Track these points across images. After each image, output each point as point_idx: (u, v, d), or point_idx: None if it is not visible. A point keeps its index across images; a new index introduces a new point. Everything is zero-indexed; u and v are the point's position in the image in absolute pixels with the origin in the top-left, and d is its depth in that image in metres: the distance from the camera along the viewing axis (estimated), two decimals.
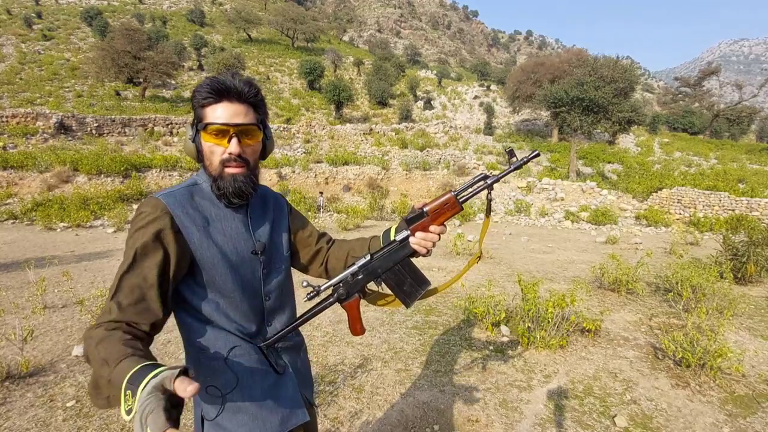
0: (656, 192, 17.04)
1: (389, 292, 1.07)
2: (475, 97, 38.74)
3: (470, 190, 0.99)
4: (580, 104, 21.72)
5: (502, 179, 0.98)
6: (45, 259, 6.78)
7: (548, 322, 3.59)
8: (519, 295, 4.39)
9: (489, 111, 31.30)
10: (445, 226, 1.01)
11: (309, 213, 14.59)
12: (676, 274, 5.10)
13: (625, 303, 5.05)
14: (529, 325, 3.65)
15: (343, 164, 18.88)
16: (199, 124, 0.96)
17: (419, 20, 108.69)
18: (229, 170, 0.97)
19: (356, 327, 1.08)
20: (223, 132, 0.95)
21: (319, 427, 2.45)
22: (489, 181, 0.96)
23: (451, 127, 28.19)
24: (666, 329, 4.07)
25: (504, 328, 3.95)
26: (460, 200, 0.98)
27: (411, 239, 0.99)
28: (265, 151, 1.07)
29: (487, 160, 22.16)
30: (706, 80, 41.05)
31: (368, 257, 1.01)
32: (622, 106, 22.45)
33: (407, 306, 1.04)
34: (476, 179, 0.97)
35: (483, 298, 4.12)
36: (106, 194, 13.36)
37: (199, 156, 0.99)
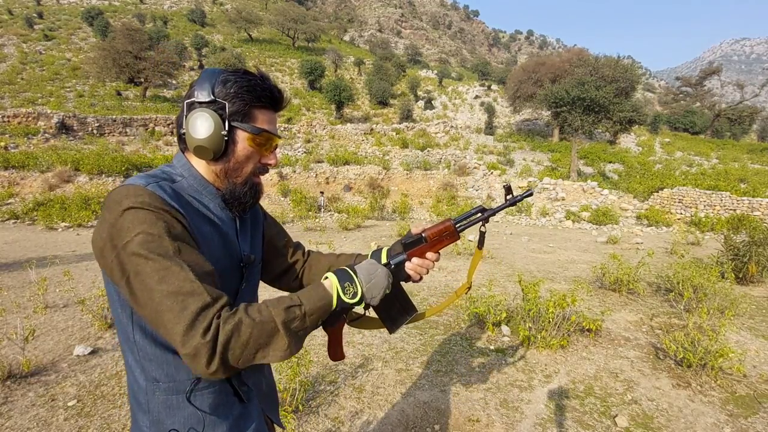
0: (657, 192, 17.02)
1: (373, 315, 1.02)
2: (476, 97, 38.71)
3: (468, 220, 0.98)
4: (581, 104, 21.68)
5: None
6: (46, 259, 6.79)
7: (549, 322, 3.58)
8: (520, 295, 4.39)
9: (490, 111, 31.28)
10: (439, 254, 0.99)
11: (310, 213, 14.61)
12: (678, 274, 5.09)
13: (626, 303, 5.05)
14: (530, 325, 3.65)
15: (344, 164, 18.89)
16: (248, 125, 0.84)
17: (420, 20, 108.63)
18: (256, 179, 0.92)
19: (338, 352, 0.99)
20: (270, 142, 0.89)
21: (320, 426, 2.45)
22: (486, 214, 0.96)
23: (451, 126, 28.19)
24: (667, 329, 4.07)
25: (505, 328, 3.94)
26: (458, 229, 0.97)
27: (407, 264, 0.96)
28: None
29: (487, 159, 22.16)
30: (708, 80, 40.99)
31: None
32: (623, 105, 22.41)
33: (391, 332, 0.99)
34: (474, 211, 0.97)
35: (484, 298, 4.12)
36: (107, 194, 13.39)
37: (220, 154, 0.85)
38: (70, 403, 2.61)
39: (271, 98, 0.88)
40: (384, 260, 0.99)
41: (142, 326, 0.79)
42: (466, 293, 1.12)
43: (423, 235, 0.95)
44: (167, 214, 0.74)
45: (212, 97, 0.82)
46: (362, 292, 0.85)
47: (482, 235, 0.99)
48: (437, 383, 3.00)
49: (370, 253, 1.05)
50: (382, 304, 0.95)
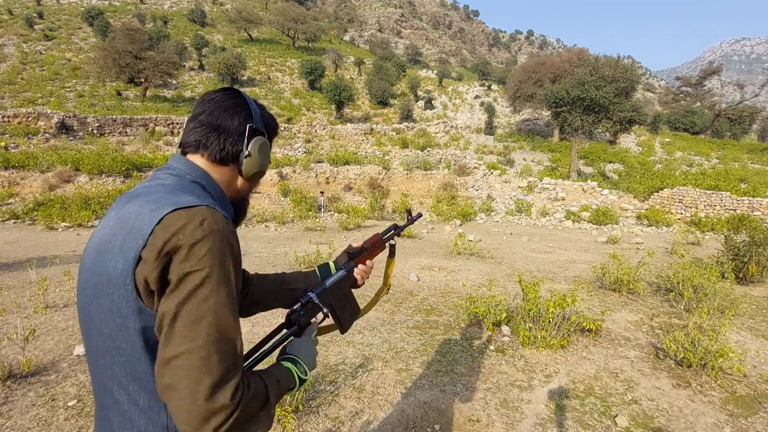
0: (657, 192, 17.01)
1: (329, 321, 1.19)
2: (476, 97, 38.70)
3: (389, 234, 1.26)
4: (581, 104, 21.67)
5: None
6: (46, 259, 6.80)
7: (549, 321, 3.59)
8: (520, 295, 4.39)
9: (490, 111, 31.25)
10: (372, 263, 1.20)
11: (310, 213, 14.60)
12: (678, 274, 5.09)
13: (626, 303, 5.05)
14: (530, 324, 3.65)
15: (344, 164, 18.89)
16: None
17: (420, 20, 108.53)
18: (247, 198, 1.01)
19: None
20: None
21: (320, 426, 2.45)
22: (397, 230, 1.28)
23: (451, 126, 28.18)
24: (667, 329, 4.07)
25: (505, 328, 3.94)
26: (384, 240, 1.23)
27: (354, 270, 1.13)
28: None
29: (487, 159, 22.15)
30: (708, 80, 40.93)
31: (325, 284, 1.04)
32: (623, 105, 22.39)
33: (343, 332, 1.12)
34: (390, 228, 1.28)
35: (484, 298, 4.12)
36: (108, 194, 13.38)
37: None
38: (70, 403, 2.61)
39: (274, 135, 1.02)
40: (333, 271, 1.13)
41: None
42: (386, 294, 1.33)
43: (364, 246, 1.16)
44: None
45: (263, 127, 0.93)
46: (307, 371, 0.92)
47: (393, 246, 1.26)
48: (437, 383, 3.00)
49: (317, 267, 1.17)
50: (338, 307, 1.08)
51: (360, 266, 1.14)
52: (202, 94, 1.12)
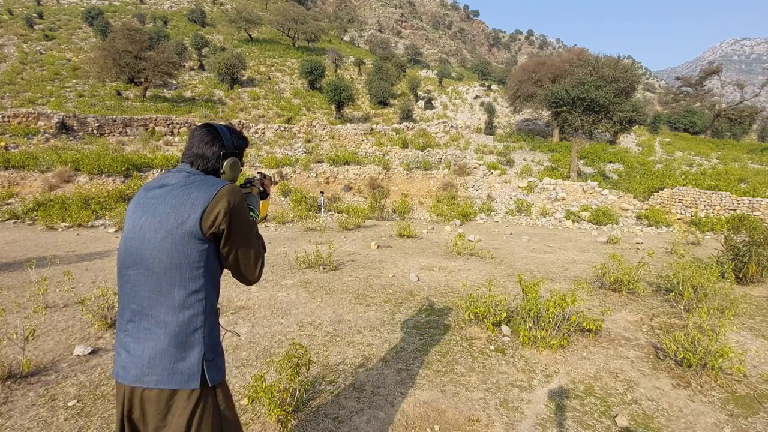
0: (657, 192, 17.01)
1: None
2: (476, 97, 38.68)
3: (253, 182, 1.69)
4: (581, 104, 21.65)
5: None
6: (46, 259, 6.80)
7: (549, 321, 3.59)
8: (520, 295, 4.39)
9: (490, 111, 31.23)
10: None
11: (310, 213, 14.60)
12: (678, 274, 5.09)
13: (626, 303, 5.05)
14: (530, 324, 3.65)
15: (344, 164, 18.88)
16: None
17: (420, 20, 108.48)
18: None
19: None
20: None
21: (320, 426, 2.46)
22: (256, 181, 1.71)
23: (451, 126, 28.17)
24: (667, 329, 4.07)
25: (505, 328, 3.94)
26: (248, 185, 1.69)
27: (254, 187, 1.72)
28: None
29: (487, 159, 22.14)
30: (708, 80, 40.91)
31: (253, 181, 1.70)
32: (623, 105, 22.37)
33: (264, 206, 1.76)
34: (253, 178, 1.71)
35: (484, 298, 4.12)
36: (108, 194, 13.38)
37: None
38: (70, 403, 2.61)
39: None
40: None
41: (212, 277, 1.30)
42: (265, 219, 1.79)
43: (248, 182, 1.66)
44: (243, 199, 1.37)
45: (233, 149, 1.44)
46: (258, 211, 1.56)
47: (262, 191, 1.70)
48: (437, 383, 3.00)
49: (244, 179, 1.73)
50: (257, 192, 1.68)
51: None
52: (194, 126, 1.47)
